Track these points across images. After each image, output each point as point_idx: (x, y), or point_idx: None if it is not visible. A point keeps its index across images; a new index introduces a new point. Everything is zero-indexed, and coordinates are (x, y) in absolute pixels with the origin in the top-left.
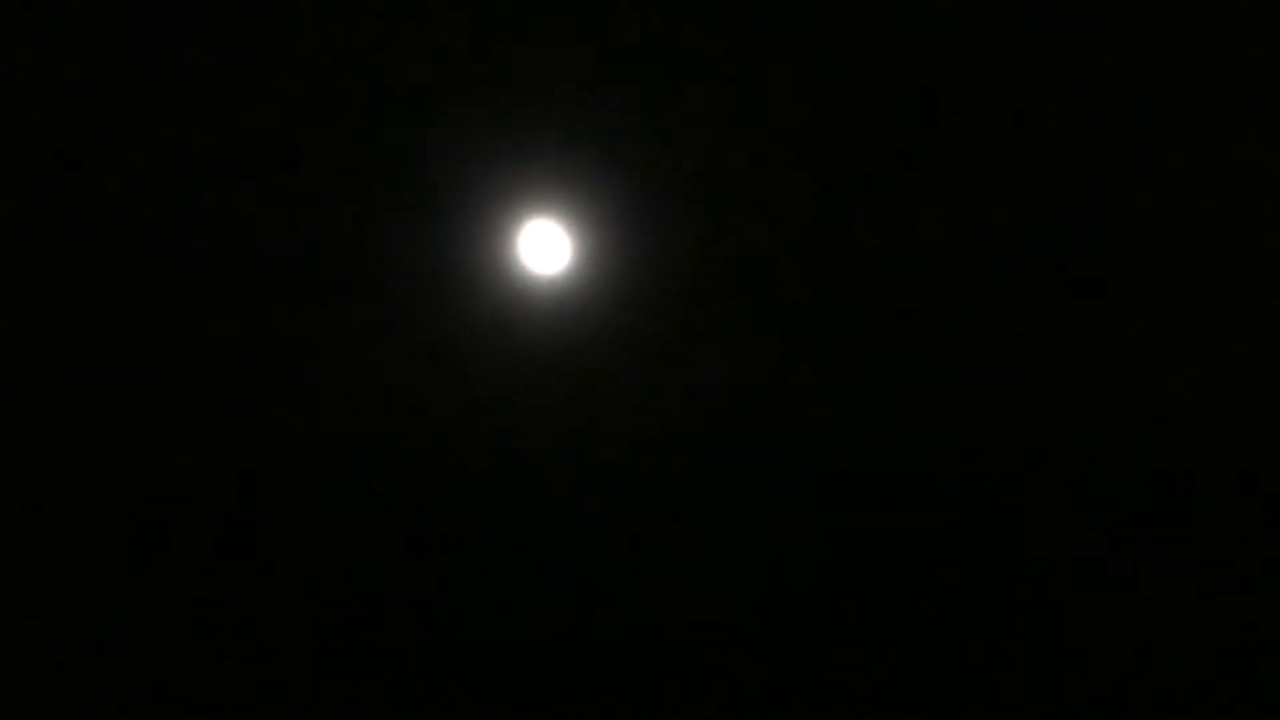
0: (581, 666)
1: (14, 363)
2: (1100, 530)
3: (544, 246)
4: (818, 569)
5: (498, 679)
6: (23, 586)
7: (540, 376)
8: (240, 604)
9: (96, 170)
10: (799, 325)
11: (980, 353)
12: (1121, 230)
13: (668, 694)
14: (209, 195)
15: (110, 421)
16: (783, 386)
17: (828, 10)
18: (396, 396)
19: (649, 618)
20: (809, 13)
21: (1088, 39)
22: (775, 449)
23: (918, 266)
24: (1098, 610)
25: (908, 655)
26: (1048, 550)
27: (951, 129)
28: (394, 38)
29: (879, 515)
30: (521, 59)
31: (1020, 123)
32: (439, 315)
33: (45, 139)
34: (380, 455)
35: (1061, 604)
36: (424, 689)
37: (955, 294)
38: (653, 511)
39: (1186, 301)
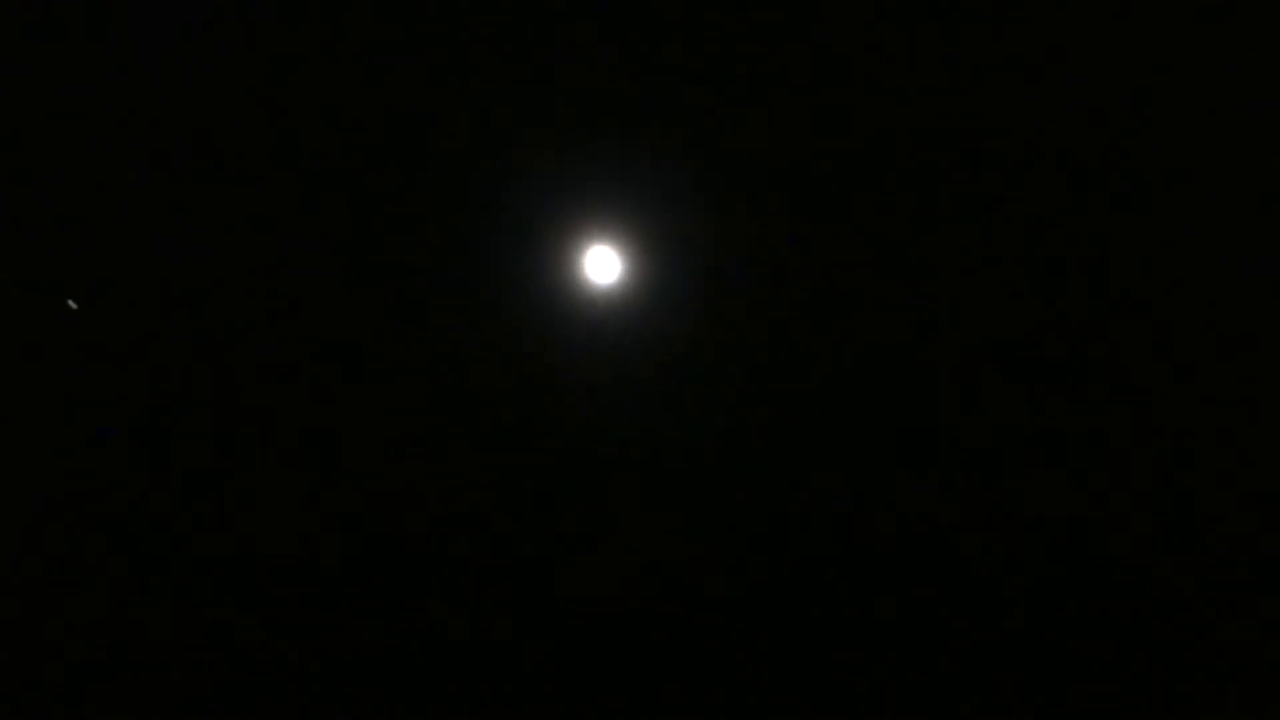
0: (652, 640)
1: (13, 362)
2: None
3: (602, 265)
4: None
5: (600, 647)
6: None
7: (599, 369)
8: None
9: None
10: (831, 336)
11: (1041, 360)
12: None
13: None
14: (305, 213)
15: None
16: (812, 387)
17: (864, 42)
18: (482, 388)
19: (715, 596)
20: (844, 49)
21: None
22: (808, 444)
23: (957, 276)
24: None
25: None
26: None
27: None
28: (494, 84)
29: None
30: (589, 115)
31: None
32: (520, 319)
33: (45, 139)
34: (467, 437)
35: (1063, 607)
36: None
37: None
38: (695, 491)
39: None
